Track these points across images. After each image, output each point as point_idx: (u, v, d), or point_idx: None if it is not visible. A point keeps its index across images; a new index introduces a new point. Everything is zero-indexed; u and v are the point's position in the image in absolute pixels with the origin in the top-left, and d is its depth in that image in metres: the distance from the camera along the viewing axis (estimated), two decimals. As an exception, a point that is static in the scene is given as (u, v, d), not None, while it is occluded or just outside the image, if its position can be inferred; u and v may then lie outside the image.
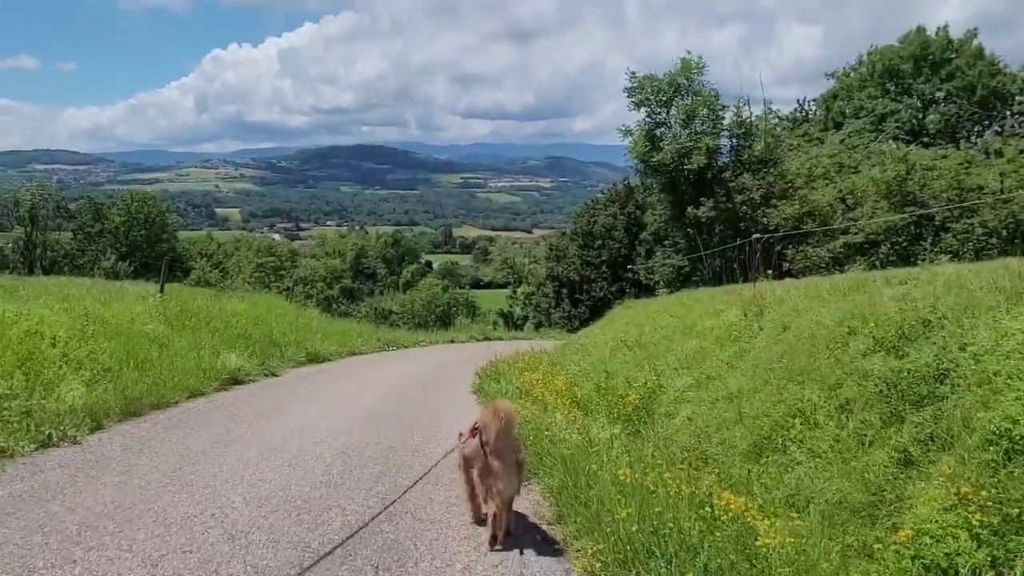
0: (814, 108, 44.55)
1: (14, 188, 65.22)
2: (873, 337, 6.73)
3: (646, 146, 26.62)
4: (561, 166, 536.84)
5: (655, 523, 4.94)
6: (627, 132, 27.75)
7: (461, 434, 5.99)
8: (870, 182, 27.58)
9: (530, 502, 6.54)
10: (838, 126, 40.38)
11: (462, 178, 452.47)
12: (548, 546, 5.53)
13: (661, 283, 49.89)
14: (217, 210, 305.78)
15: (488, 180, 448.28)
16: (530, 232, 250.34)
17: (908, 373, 5.89)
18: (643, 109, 27.33)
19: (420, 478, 6.37)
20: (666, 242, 56.34)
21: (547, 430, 8.21)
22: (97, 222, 61.16)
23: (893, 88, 40.29)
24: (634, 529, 4.87)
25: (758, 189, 25.01)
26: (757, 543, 4.54)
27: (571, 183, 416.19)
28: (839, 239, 26.96)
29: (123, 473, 6.91)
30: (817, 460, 6.06)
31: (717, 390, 8.87)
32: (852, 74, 41.74)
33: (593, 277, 55.79)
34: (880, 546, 4.57)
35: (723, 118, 26.77)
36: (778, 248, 27.72)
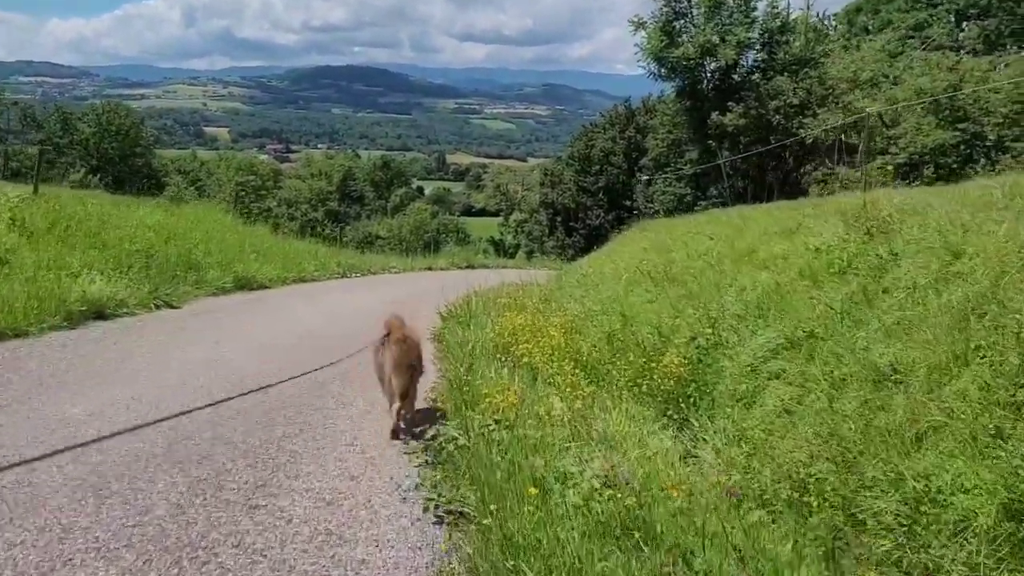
0: (834, 23, 39.85)
1: (-27, 96, 61.16)
2: None
3: (662, 40, 22.16)
4: (557, 94, 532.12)
5: None
6: (639, 24, 23.24)
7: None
8: (913, 94, 23.36)
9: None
10: (845, 47, 36.03)
11: (456, 103, 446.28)
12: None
13: (661, 212, 46.18)
14: (205, 129, 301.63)
15: (483, 106, 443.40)
16: (525, 161, 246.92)
17: None
18: (660, -5, 22.81)
19: None
20: (667, 168, 52.25)
21: (535, 449, 4.32)
22: (66, 133, 57.43)
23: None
24: None
25: (795, 93, 20.71)
26: None
27: (567, 112, 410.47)
28: (875, 159, 23.07)
29: None
30: None
31: (840, 360, 4.92)
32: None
33: (589, 204, 53.63)
34: None
35: (755, 8, 22.28)
36: (802, 168, 23.78)
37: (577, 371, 6.80)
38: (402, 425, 5.78)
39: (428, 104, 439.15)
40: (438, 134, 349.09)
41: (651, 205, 47.99)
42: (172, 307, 11.41)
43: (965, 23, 36.24)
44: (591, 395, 5.85)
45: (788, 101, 20.58)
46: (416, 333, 6.14)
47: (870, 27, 37.44)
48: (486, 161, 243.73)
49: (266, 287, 15.42)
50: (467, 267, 27.02)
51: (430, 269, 25.79)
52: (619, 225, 51.96)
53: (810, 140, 20.68)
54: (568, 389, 6.24)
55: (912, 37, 33.50)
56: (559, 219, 54.51)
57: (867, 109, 21.15)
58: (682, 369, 6.14)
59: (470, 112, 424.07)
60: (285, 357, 8.03)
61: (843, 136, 20.94)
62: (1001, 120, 22.75)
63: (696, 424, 5.55)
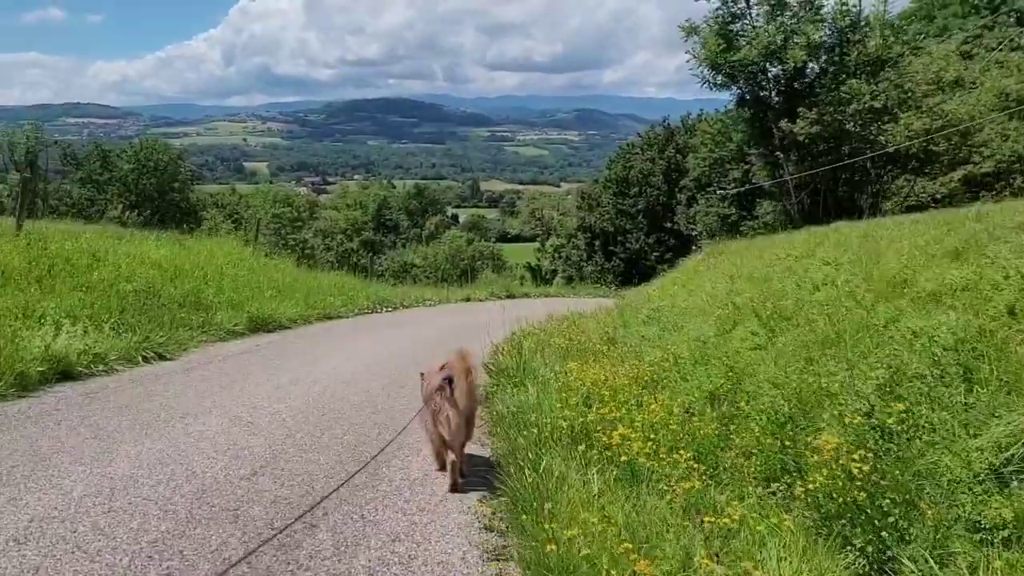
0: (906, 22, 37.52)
1: (8, 132, 61.42)
2: None
3: (719, 45, 20.03)
4: (590, 119, 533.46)
5: None
6: (692, 30, 21.13)
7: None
8: (995, 97, 20.99)
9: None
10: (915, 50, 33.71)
11: (489, 131, 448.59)
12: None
13: (704, 234, 43.81)
14: (245, 164, 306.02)
15: (516, 133, 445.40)
16: (558, 186, 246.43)
17: None
18: (714, -4, 20.71)
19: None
20: (709, 188, 49.91)
21: None
22: (105, 170, 57.72)
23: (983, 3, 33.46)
24: None
25: (874, 96, 18.44)
26: None
27: (600, 136, 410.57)
28: (956, 170, 20.67)
29: None
30: None
31: None
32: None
33: (628, 227, 52.50)
34: None
35: (822, 6, 20.07)
36: (881, 181, 21.43)
37: (691, 463, 4.70)
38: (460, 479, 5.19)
39: (461, 133, 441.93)
40: (471, 162, 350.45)
41: (693, 226, 46.01)
42: (164, 359, 9.52)
43: (1027, 26, 33.78)
44: (739, 519, 3.73)
45: (867, 104, 18.29)
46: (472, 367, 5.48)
47: (927, 33, 35.11)
48: (519, 187, 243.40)
49: (286, 327, 13.55)
50: (507, 296, 24.94)
51: (468, 300, 23.77)
52: (659, 247, 50.40)
53: (893, 148, 18.39)
54: (686, 490, 4.16)
55: (978, 36, 31.07)
56: (597, 243, 53.71)
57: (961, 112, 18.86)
58: (862, 465, 4.01)
59: (503, 139, 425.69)
60: (277, 459, 5.95)
61: (929, 144, 18.65)
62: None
63: (913, 571, 3.39)
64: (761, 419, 5.45)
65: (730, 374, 6.60)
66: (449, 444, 5.15)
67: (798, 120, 18.66)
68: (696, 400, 6.55)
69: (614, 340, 10.32)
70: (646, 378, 7.34)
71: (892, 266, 6.75)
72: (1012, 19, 33.77)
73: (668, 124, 54.50)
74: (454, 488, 5.12)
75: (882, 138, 18.68)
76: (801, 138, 18.63)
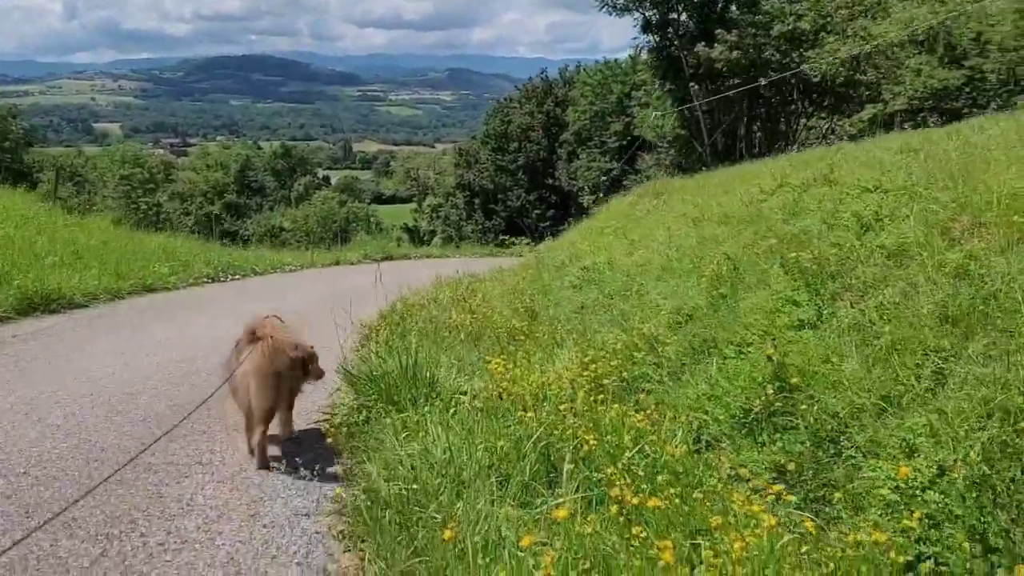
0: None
1: None
2: None
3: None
4: (462, 79, 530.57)
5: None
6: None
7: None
8: (903, 28, 19.26)
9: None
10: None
11: (360, 91, 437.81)
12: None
13: (586, 189, 41.95)
14: (95, 125, 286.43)
15: (388, 93, 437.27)
16: (433, 147, 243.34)
17: None
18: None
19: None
20: (591, 142, 48.11)
21: None
22: None
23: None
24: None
25: (800, 17, 16.09)
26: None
27: (473, 96, 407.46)
28: (864, 108, 18.92)
29: None
30: None
31: None
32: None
33: (508, 185, 51.34)
34: None
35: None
36: (800, 117, 19.36)
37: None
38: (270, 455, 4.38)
39: (331, 92, 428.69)
40: (343, 122, 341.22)
41: (575, 182, 44.31)
42: None
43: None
44: None
45: (792, 26, 15.92)
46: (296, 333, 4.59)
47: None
48: (393, 148, 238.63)
49: (80, 306, 9.94)
50: (384, 259, 21.61)
51: (337, 264, 20.31)
52: (541, 205, 48.67)
53: (816, 77, 16.16)
54: None
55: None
56: (477, 201, 52.91)
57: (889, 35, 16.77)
58: None
59: (374, 99, 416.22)
60: None
61: (856, 72, 16.56)
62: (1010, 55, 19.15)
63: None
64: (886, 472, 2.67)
65: (776, 368, 3.76)
66: (251, 413, 4.43)
67: (716, 44, 16.10)
68: (722, 425, 3.71)
69: (535, 313, 7.38)
70: (613, 381, 4.43)
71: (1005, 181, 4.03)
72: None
73: (546, 76, 53.74)
74: (261, 462, 4.40)
75: (805, 66, 16.44)
76: (719, 65, 16.08)
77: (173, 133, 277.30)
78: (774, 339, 4.00)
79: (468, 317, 7.13)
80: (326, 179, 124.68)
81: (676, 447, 3.23)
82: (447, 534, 2.18)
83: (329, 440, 3.86)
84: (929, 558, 2.50)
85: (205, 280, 14.06)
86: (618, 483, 2.59)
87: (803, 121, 17.78)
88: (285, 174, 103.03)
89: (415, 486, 2.98)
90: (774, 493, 2.65)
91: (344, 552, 3.04)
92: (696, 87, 17.21)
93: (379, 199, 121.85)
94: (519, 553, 2.14)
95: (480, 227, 51.56)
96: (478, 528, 2.39)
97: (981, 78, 19.64)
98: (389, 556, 2.60)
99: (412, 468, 3.15)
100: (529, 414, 3.38)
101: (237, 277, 15.17)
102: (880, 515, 2.75)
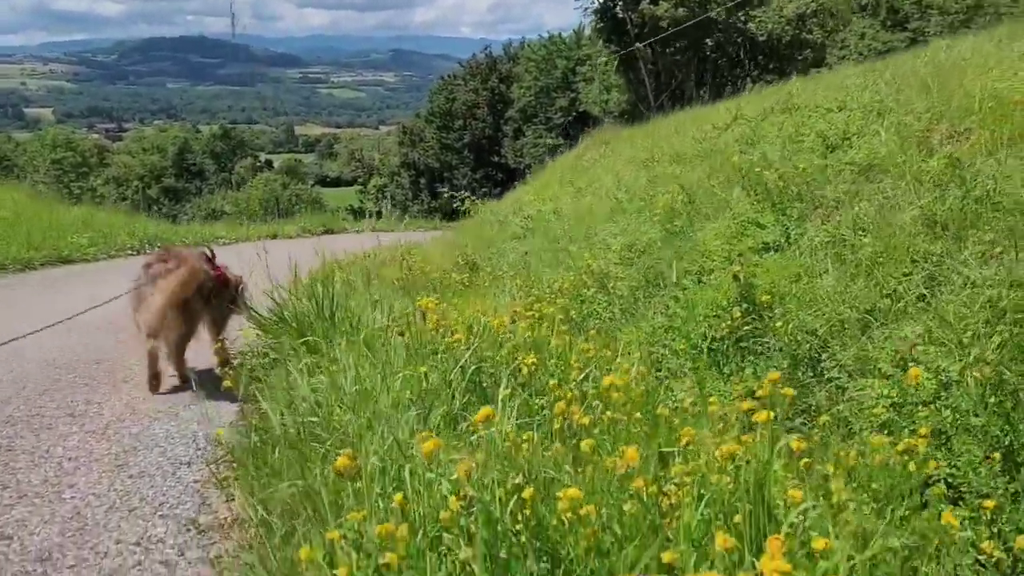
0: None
1: None
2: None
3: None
4: (405, 60, 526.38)
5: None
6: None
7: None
8: None
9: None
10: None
11: (301, 73, 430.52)
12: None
13: (533, 166, 41.58)
14: (26, 111, 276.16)
15: (330, 75, 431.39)
16: (377, 129, 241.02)
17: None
18: None
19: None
20: (536, 118, 47.76)
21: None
22: None
23: None
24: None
25: (744, -23, 15.78)
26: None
27: (417, 78, 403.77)
28: (810, 73, 18.80)
29: None
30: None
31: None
32: None
33: (454, 163, 50.98)
34: None
35: None
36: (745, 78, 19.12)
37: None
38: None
39: (272, 74, 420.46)
40: (285, 105, 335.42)
41: (521, 159, 44.00)
42: None
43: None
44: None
45: (738, -16, 15.60)
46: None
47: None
48: (337, 131, 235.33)
49: (-20, 280, 9.14)
50: (325, 232, 20.84)
51: (274, 237, 19.45)
52: (488, 183, 48.27)
53: (763, 36, 15.86)
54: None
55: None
56: (423, 180, 52.39)
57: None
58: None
59: (316, 82, 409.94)
60: None
61: (802, 31, 16.29)
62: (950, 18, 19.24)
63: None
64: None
65: (741, 287, 3.29)
66: (149, 333, 4.13)
67: (660, 2, 15.68)
68: (682, 357, 3.24)
69: (475, 265, 6.85)
70: (560, 311, 3.93)
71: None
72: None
73: (490, 53, 53.22)
74: (153, 385, 4.21)
75: (752, 24, 16.13)
76: (665, 23, 15.66)
77: (108, 118, 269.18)
78: (740, 255, 3.56)
79: (404, 272, 6.57)
80: (268, 163, 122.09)
81: (632, 371, 2.75)
82: (341, 460, 1.67)
83: (227, 383, 3.32)
84: (939, 481, 2.06)
85: (129, 252, 13.23)
86: (564, 398, 2.10)
87: (750, 83, 17.50)
88: (225, 157, 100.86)
89: (314, 418, 2.46)
90: (745, 410, 2.16)
91: (226, 502, 2.51)
92: (641, 47, 16.79)
93: (324, 182, 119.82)
94: (428, 474, 1.63)
95: (426, 207, 51.21)
96: (384, 456, 1.88)
97: (923, 41, 19.67)
98: (270, 497, 2.07)
99: (317, 404, 2.63)
100: (458, 335, 2.85)
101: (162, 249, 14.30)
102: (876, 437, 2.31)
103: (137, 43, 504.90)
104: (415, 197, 53.23)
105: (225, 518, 2.42)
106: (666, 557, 1.27)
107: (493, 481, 1.51)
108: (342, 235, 20.59)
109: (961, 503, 1.95)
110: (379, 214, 57.64)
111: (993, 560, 1.69)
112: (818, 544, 1.30)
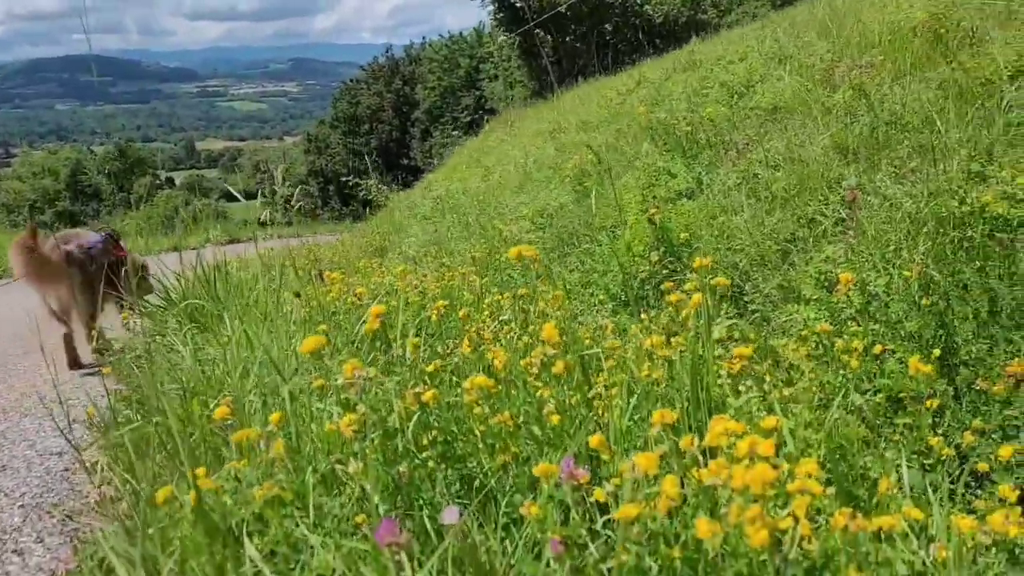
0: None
1: None
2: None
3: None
4: (307, 68, 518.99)
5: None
6: None
7: None
8: None
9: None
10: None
11: (198, 87, 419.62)
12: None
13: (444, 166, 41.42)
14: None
15: (229, 87, 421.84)
16: (282, 140, 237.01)
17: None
18: None
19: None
20: (443, 118, 47.65)
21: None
22: None
23: None
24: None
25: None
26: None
27: (320, 86, 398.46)
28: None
29: None
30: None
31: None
32: None
33: (363, 168, 50.13)
34: None
35: None
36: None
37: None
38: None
39: (167, 90, 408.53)
40: (182, 121, 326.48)
41: (431, 160, 43.80)
42: None
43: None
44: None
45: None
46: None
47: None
48: (240, 144, 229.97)
49: None
50: (230, 242, 20.10)
51: (175, 250, 18.61)
52: (398, 186, 47.88)
53: (660, 18, 16.01)
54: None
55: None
56: (332, 187, 51.20)
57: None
58: None
59: (215, 95, 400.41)
60: None
61: (697, 12, 16.51)
62: None
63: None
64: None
65: (661, 239, 3.17)
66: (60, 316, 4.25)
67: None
68: (602, 307, 3.10)
69: (384, 250, 6.60)
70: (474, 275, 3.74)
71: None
72: None
73: (391, 54, 52.79)
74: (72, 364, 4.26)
75: (647, 8, 16.26)
76: (562, 8, 15.65)
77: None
78: (655, 198, 3.44)
79: (308, 262, 6.28)
80: (170, 180, 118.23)
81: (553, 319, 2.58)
82: (220, 411, 1.44)
83: (107, 371, 3.02)
84: (878, 392, 1.95)
85: None
86: (472, 327, 1.91)
87: (649, 62, 17.72)
88: (122, 176, 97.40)
89: (194, 384, 2.21)
90: (670, 332, 2.01)
91: (100, 486, 2.24)
92: (541, 33, 16.74)
93: (229, 197, 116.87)
94: (317, 406, 1.42)
95: (337, 213, 50.57)
96: (269, 402, 1.65)
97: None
98: (140, 463, 1.80)
99: (204, 373, 2.37)
100: (361, 290, 2.63)
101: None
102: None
103: (21, 65, 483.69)
104: (325, 205, 52.53)
105: (95, 500, 2.15)
106: (593, 441, 1.09)
107: (392, 392, 1.30)
108: (249, 244, 19.95)
109: (901, 412, 1.84)
110: (289, 223, 56.64)
111: (942, 458, 1.57)
112: (767, 423, 1.15)
